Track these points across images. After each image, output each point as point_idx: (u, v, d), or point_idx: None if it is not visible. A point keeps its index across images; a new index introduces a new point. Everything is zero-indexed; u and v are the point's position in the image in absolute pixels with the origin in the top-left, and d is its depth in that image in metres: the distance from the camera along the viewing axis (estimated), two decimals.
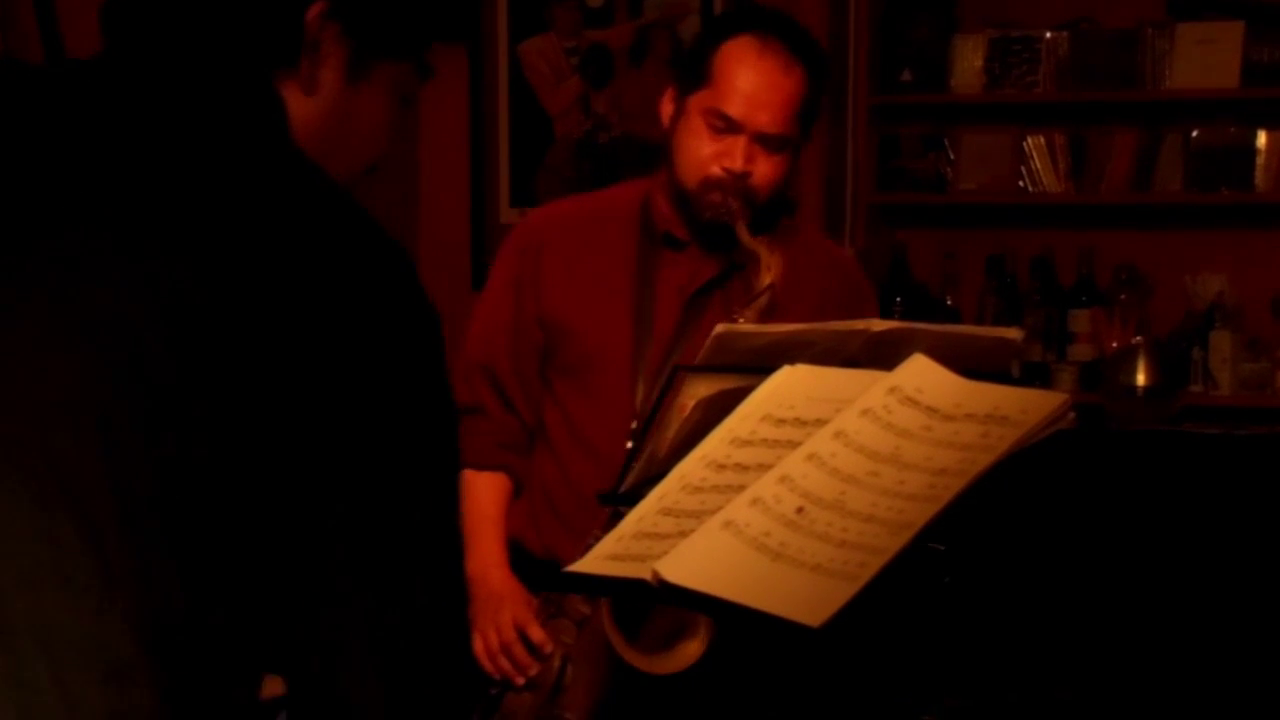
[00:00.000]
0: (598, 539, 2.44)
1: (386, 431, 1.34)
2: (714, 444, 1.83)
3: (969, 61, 4.84)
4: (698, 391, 2.00)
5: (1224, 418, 4.51)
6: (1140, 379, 4.18)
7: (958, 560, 1.88)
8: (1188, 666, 2.55)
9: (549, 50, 5.00)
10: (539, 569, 2.74)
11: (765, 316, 2.56)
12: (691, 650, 2.46)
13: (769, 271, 2.56)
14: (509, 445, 2.81)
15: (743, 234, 2.60)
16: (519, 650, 2.68)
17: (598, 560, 1.75)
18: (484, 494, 2.80)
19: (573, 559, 2.09)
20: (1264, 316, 4.67)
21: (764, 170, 2.64)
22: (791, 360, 1.92)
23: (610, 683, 2.57)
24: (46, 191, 1.35)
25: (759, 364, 1.97)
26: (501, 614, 2.70)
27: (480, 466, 2.80)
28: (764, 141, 2.63)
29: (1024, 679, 2.54)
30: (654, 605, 2.46)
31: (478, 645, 2.71)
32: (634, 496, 1.89)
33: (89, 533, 1.27)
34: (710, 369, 2.09)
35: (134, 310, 1.30)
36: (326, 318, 1.32)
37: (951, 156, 4.89)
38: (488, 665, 2.70)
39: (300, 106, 1.44)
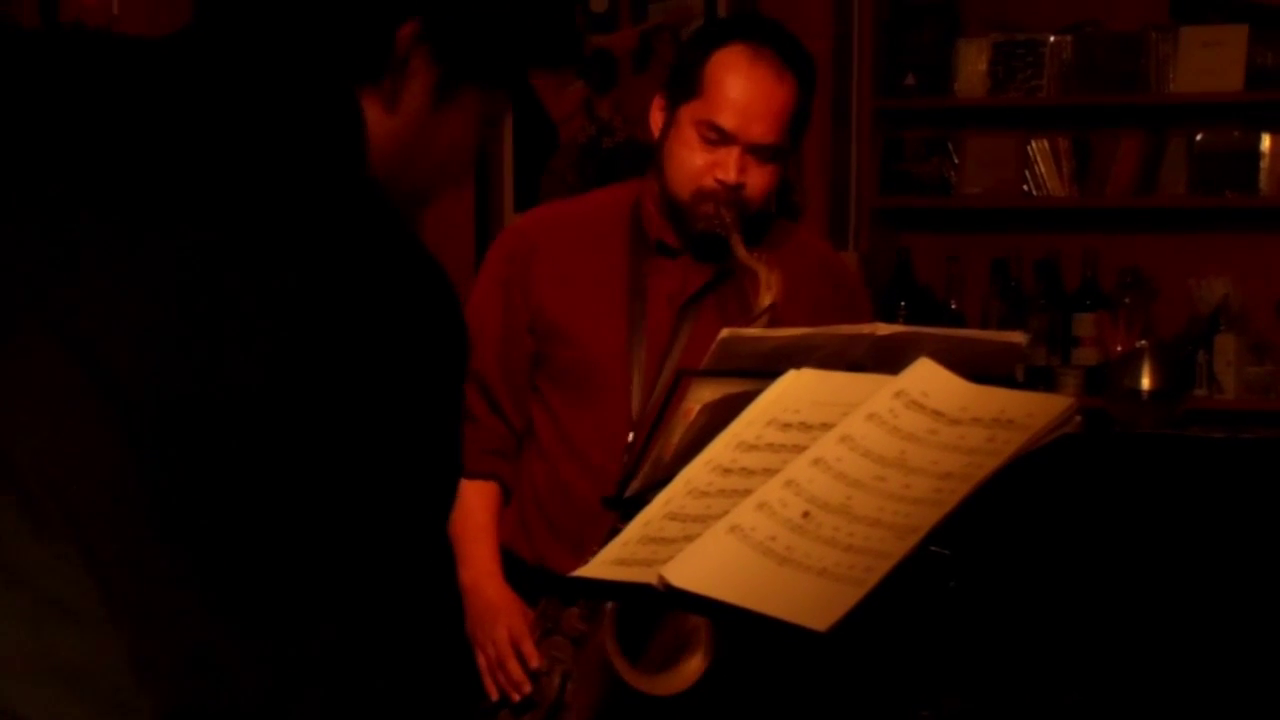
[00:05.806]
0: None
1: (393, 445, 1.31)
2: (719, 448, 1.83)
3: (973, 65, 4.83)
4: (703, 396, 1.99)
5: (1229, 422, 4.50)
6: (1145, 383, 4.18)
7: (964, 565, 1.87)
8: (1192, 669, 2.55)
9: None
10: (532, 577, 2.71)
11: None
12: (692, 668, 2.42)
13: (769, 291, 2.52)
14: (497, 452, 2.77)
15: (739, 250, 2.57)
16: (513, 666, 2.65)
17: (604, 565, 1.75)
18: (474, 502, 2.75)
19: (564, 568, 2.04)
20: (1269, 320, 4.66)
21: (756, 180, 2.62)
22: (796, 365, 1.92)
23: (610, 701, 2.54)
24: (96, 170, 1.30)
25: (764, 368, 1.97)
26: (497, 628, 2.67)
27: (469, 474, 2.74)
28: (756, 152, 2.61)
29: (1029, 683, 2.54)
30: (655, 624, 2.43)
31: (479, 661, 2.68)
32: (639, 501, 1.88)
33: (93, 563, 1.23)
34: (715, 373, 2.09)
35: (144, 317, 1.25)
36: (353, 329, 1.28)
37: (956, 160, 4.89)
38: (486, 681, 2.67)
39: (380, 122, 1.40)
